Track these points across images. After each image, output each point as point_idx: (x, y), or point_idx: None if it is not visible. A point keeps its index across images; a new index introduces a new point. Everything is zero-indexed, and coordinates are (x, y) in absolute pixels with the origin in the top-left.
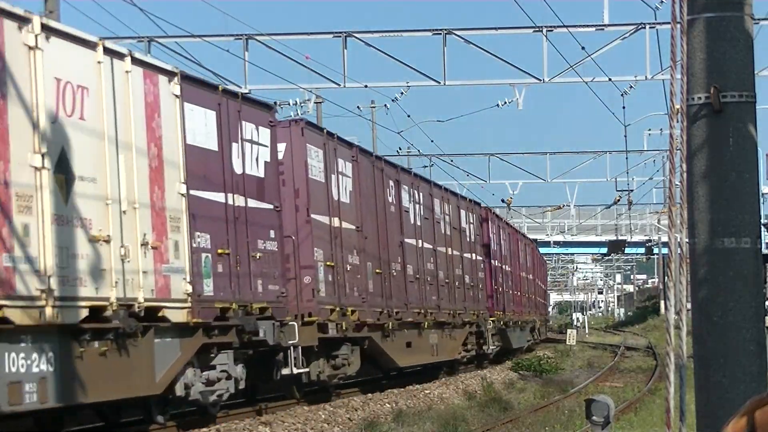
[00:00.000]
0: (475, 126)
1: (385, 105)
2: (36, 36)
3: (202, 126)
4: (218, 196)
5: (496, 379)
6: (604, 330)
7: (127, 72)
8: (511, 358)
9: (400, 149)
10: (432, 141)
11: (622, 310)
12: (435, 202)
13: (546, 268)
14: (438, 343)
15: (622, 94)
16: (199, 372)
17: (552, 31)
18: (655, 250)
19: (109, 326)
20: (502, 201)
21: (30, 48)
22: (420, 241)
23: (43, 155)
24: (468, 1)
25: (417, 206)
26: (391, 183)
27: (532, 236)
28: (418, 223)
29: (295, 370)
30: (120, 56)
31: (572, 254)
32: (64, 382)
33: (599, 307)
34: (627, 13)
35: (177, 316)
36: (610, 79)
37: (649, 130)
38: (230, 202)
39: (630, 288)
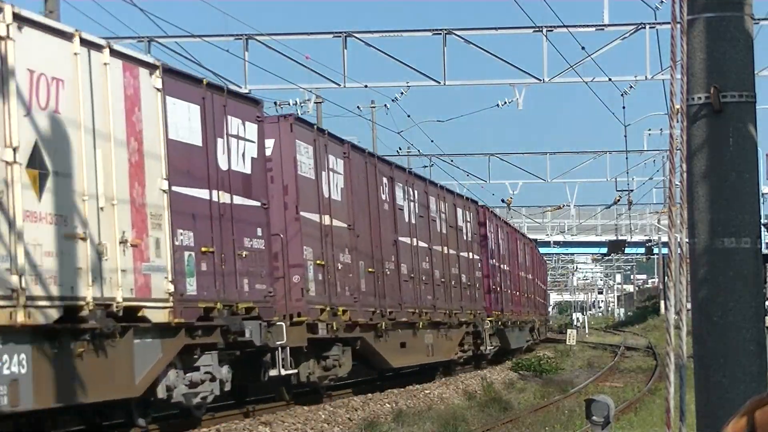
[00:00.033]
0: (475, 126)
1: (385, 105)
2: (8, 26)
3: (185, 120)
4: (202, 193)
5: (496, 379)
6: (604, 330)
7: (105, 64)
8: (511, 359)
9: (400, 149)
10: (432, 141)
11: (622, 310)
12: (430, 199)
13: (546, 268)
14: (433, 343)
15: (622, 94)
16: (182, 374)
17: (552, 31)
18: (655, 250)
19: (86, 326)
20: (502, 201)
21: (1, 38)
22: (415, 239)
23: (14, 149)
24: (468, 1)
25: (412, 204)
26: (385, 180)
27: (532, 236)
28: (413, 222)
29: (283, 372)
30: (98, 48)
31: (572, 254)
32: (38, 384)
33: (599, 307)
34: (627, 13)
35: (158, 316)
36: (610, 79)
37: (649, 130)
38: (215, 198)
39: (630, 288)
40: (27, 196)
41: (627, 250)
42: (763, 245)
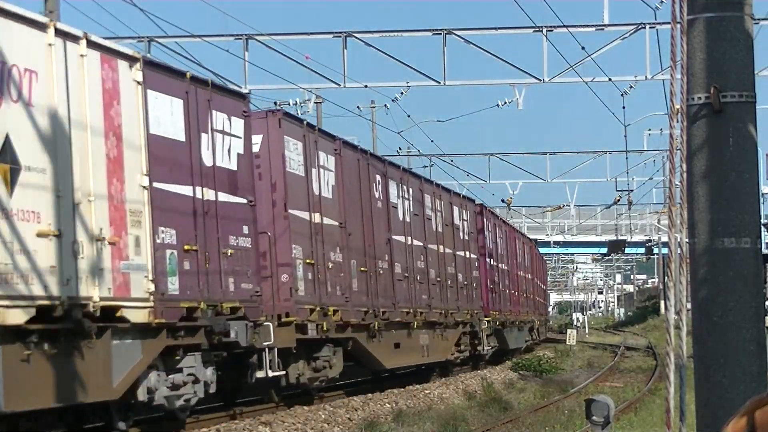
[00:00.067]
0: (475, 126)
1: (385, 105)
2: None
3: (167, 115)
4: (185, 189)
5: (496, 379)
6: (604, 330)
7: (82, 56)
8: (510, 359)
9: (400, 149)
10: (432, 141)
11: (622, 310)
12: (426, 198)
13: (546, 268)
14: (429, 343)
15: (622, 94)
16: (164, 375)
17: (552, 31)
18: (655, 250)
19: (60, 327)
20: (502, 201)
21: None
22: (409, 238)
23: None
24: (468, 1)
25: (406, 202)
26: (378, 178)
27: (532, 236)
28: (408, 220)
29: (271, 373)
30: (74, 39)
31: (572, 254)
32: (8, 386)
33: (599, 307)
34: (627, 13)
35: (137, 316)
36: (610, 79)
37: (649, 130)
38: (199, 195)
39: (630, 288)
40: None
41: (627, 250)
42: (763, 245)
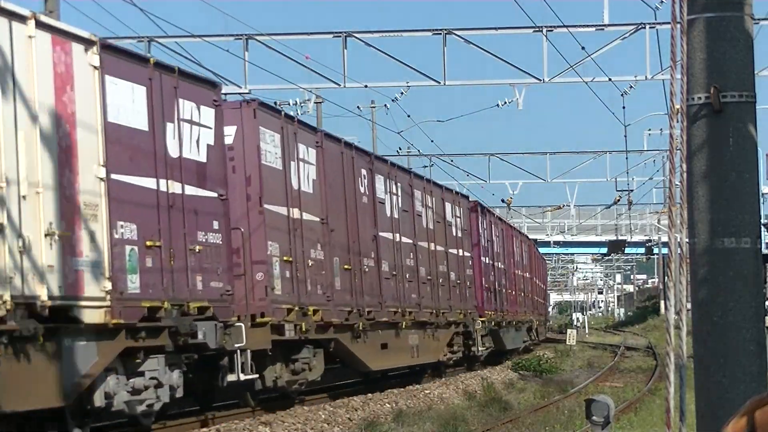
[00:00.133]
0: (475, 126)
1: (385, 105)
2: None
3: (128, 102)
4: (148, 182)
5: (496, 379)
6: (604, 330)
7: (30, 37)
8: (510, 359)
9: (400, 149)
10: (432, 141)
11: (622, 310)
12: (416, 193)
13: (545, 267)
14: (419, 344)
15: (622, 94)
16: (124, 379)
17: (552, 31)
18: (655, 250)
19: (2, 328)
20: (502, 201)
21: None
22: (398, 234)
23: None
24: (468, 1)
25: (394, 198)
26: (364, 172)
27: (532, 236)
28: (396, 216)
29: (243, 377)
30: (21, 19)
31: (572, 254)
32: None
33: (599, 307)
34: (627, 13)
35: (92, 316)
36: (610, 79)
37: (649, 130)
38: (163, 188)
39: (630, 288)
40: None
41: (627, 250)
42: (763, 245)
